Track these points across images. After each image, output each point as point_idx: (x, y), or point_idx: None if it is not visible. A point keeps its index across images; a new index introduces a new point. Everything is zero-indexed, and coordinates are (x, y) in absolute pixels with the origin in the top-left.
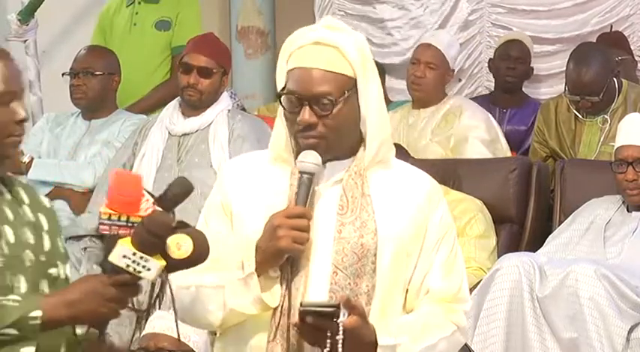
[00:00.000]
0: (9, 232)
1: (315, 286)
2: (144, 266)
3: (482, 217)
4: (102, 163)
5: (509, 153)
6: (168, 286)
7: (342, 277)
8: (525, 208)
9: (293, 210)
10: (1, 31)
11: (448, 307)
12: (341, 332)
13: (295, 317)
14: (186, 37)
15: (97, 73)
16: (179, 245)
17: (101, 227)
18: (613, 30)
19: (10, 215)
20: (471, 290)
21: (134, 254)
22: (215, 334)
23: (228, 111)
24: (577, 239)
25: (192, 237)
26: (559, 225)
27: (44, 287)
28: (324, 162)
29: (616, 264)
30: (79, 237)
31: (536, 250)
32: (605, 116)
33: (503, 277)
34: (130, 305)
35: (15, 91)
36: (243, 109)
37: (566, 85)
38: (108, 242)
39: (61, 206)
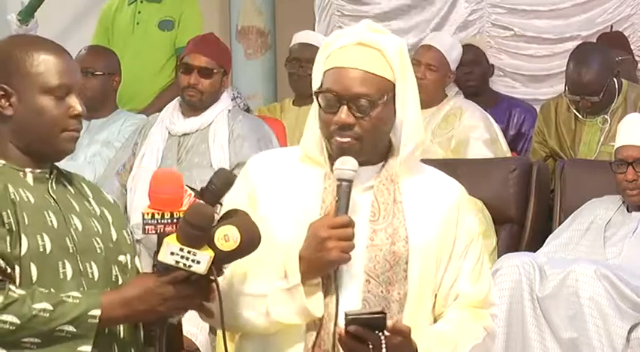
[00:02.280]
0: (77, 221)
1: (349, 294)
2: (193, 261)
3: (482, 217)
4: (102, 163)
5: (509, 153)
6: (215, 281)
7: (374, 285)
8: (525, 208)
9: (339, 220)
10: (1, 31)
11: (477, 312)
12: (384, 345)
13: (339, 327)
14: (190, 38)
15: (98, 73)
16: (227, 237)
17: (147, 227)
18: (613, 30)
19: (76, 206)
20: None
21: (181, 249)
22: (215, 333)
23: (229, 111)
24: (577, 239)
25: (238, 227)
26: (559, 225)
27: (116, 272)
28: None
29: (616, 264)
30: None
31: (536, 250)
32: (605, 116)
33: (504, 277)
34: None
35: (70, 85)
36: (248, 109)
37: (566, 84)
38: (160, 241)
39: None
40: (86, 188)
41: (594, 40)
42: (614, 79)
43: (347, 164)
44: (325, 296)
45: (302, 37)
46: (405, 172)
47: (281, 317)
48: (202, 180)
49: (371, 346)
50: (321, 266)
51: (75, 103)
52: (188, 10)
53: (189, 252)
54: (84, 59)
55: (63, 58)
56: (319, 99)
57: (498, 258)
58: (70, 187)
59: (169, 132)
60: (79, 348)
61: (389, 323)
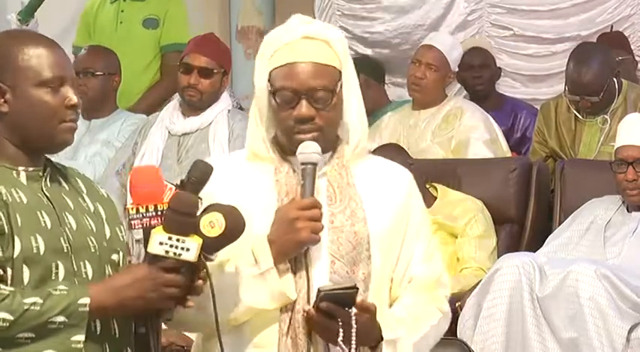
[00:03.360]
0: (71, 219)
1: (317, 276)
2: (182, 248)
3: (482, 217)
4: (102, 163)
5: (509, 153)
6: (205, 270)
7: (340, 266)
8: (525, 208)
9: (306, 201)
10: (1, 31)
11: (432, 295)
12: (354, 320)
13: (306, 305)
14: (175, 35)
15: (98, 73)
16: (212, 223)
17: (133, 222)
18: (613, 30)
19: (70, 204)
20: (471, 290)
21: (170, 238)
22: None
23: (228, 111)
24: (577, 239)
25: (223, 213)
26: (559, 225)
27: (109, 271)
28: None
29: (616, 264)
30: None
31: (536, 250)
32: (605, 116)
33: (504, 277)
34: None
35: (64, 76)
36: (241, 109)
37: (566, 84)
38: (146, 236)
39: None
40: (80, 183)
41: (594, 40)
42: (614, 79)
43: (310, 148)
44: (296, 279)
45: None
46: (355, 159)
47: (255, 303)
48: None
49: (341, 322)
50: (292, 247)
51: (70, 94)
52: (173, 8)
53: (177, 240)
54: (84, 59)
55: (54, 51)
56: (276, 97)
57: (498, 258)
58: (64, 184)
59: (169, 132)
60: (72, 338)
61: (358, 299)
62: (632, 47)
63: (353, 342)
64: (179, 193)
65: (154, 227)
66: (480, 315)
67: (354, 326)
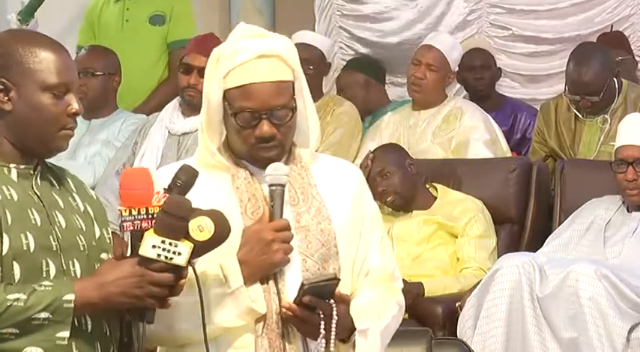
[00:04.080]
0: (61, 218)
1: (290, 276)
2: (174, 252)
3: (482, 217)
4: (102, 163)
5: (509, 154)
6: (194, 270)
7: (311, 264)
8: (525, 208)
9: (279, 223)
10: (1, 31)
11: (389, 287)
12: (335, 312)
13: (285, 302)
14: (182, 32)
15: (98, 73)
16: (201, 227)
17: (125, 225)
18: (613, 30)
19: (60, 202)
20: (471, 290)
21: (162, 242)
22: None
23: None
24: (577, 239)
25: (211, 217)
26: (559, 225)
27: None
28: None
29: (616, 264)
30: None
31: (536, 250)
32: (605, 116)
33: (503, 277)
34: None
35: (70, 83)
36: None
37: (566, 84)
38: (134, 238)
39: None
40: (70, 183)
41: (594, 40)
42: (614, 79)
43: (278, 170)
44: (265, 288)
45: (299, 37)
46: (311, 160)
47: (225, 323)
48: None
49: (322, 315)
50: (266, 268)
51: (73, 102)
52: (179, 4)
53: (170, 244)
54: (84, 59)
55: (63, 56)
56: (238, 119)
57: (498, 258)
58: (55, 182)
59: (169, 132)
60: (57, 334)
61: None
62: (632, 47)
63: (333, 333)
64: (173, 197)
65: (145, 229)
66: (480, 315)
67: (335, 317)
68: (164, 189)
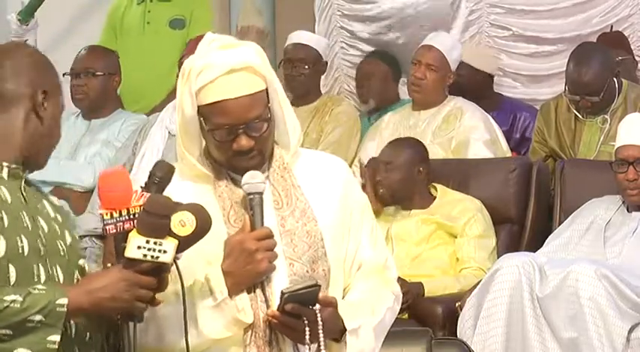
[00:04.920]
0: (42, 222)
1: (277, 282)
2: (160, 251)
3: (481, 217)
4: (102, 163)
5: (509, 154)
6: (177, 267)
7: (299, 267)
8: (525, 208)
9: (261, 232)
10: (1, 31)
11: (383, 278)
12: (319, 318)
13: (270, 310)
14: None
15: (98, 73)
16: (182, 222)
17: (107, 227)
18: (613, 30)
19: (40, 207)
20: (471, 290)
21: (147, 241)
22: None
23: None
24: (577, 239)
25: (191, 211)
26: (559, 225)
27: (77, 276)
28: None
29: (616, 264)
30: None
31: (537, 250)
32: (605, 116)
33: (504, 277)
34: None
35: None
36: None
37: (566, 84)
38: (117, 240)
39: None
40: (42, 189)
41: (594, 40)
42: (615, 79)
43: (256, 178)
44: (252, 296)
45: (295, 37)
46: (293, 158)
47: (213, 334)
48: None
49: (306, 321)
50: (251, 278)
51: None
52: (199, 8)
53: (155, 243)
54: (84, 59)
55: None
56: (215, 135)
57: (498, 258)
58: (34, 186)
59: (169, 132)
60: (48, 338)
61: (320, 296)
62: (632, 47)
63: (321, 338)
64: (153, 196)
65: (128, 231)
66: (480, 315)
67: (320, 322)
68: (141, 187)
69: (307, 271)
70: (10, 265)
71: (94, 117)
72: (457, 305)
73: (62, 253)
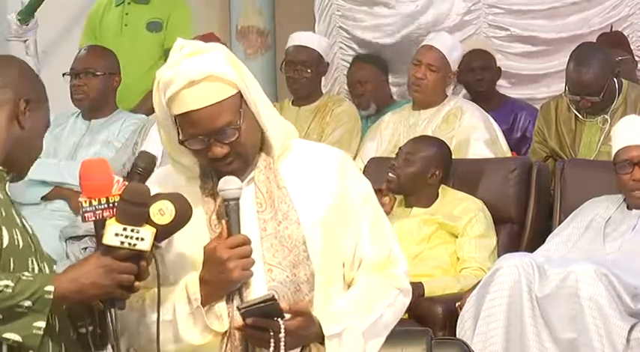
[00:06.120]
0: (23, 221)
1: (255, 288)
2: (137, 238)
3: (482, 217)
4: None
5: (509, 153)
6: (154, 256)
7: (278, 272)
8: (525, 208)
9: (235, 239)
10: (1, 31)
11: (385, 273)
12: (282, 329)
13: (237, 321)
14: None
15: (98, 73)
16: (162, 211)
17: (86, 215)
18: (613, 30)
19: (19, 210)
20: (471, 290)
21: (124, 229)
22: None
23: None
24: (577, 237)
25: (171, 200)
26: (559, 224)
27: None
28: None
29: (615, 260)
30: (79, 237)
31: (536, 250)
32: (606, 116)
33: (503, 277)
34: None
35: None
36: None
37: (566, 84)
38: (97, 228)
39: (60, 206)
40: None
41: (593, 40)
42: (615, 79)
43: (230, 184)
44: (228, 304)
45: (295, 39)
46: (282, 158)
47: (192, 341)
48: None
49: (272, 332)
50: (224, 286)
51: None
52: (176, 12)
53: (132, 231)
54: (84, 59)
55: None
56: (188, 145)
57: (498, 257)
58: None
59: None
60: (34, 324)
61: (284, 306)
62: (632, 47)
63: (281, 350)
64: (131, 184)
65: (106, 219)
66: (480, 315)
67: (282, 334)
68: (123, 177)
69: (287, 276)
70: (11, 257)
71: (94, 117)
72: (457, 305)
73: (45, 253)
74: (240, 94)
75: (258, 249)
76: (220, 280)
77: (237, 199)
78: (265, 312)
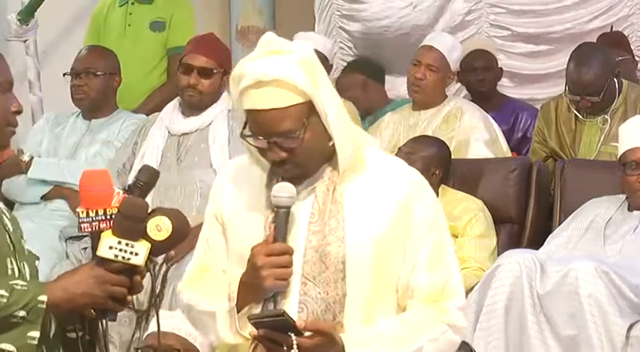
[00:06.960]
0: (7, 221)
1: (290, 299)
2: (131, 253)
3: (482, 216)
4: (102, 163)
5: (509, 154)
6: (150, 272)
7: (311, 287)
8: (525, 208)
9: (274, 248)
10: (1, 31)
11: (438, 306)
12: (295, 345)
13: (252, 329)
14: (181, 39)
15: (99, 73)
16: (158, 227)
17: (83, 226)
18: (613, 30)
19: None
20: (471, 290)
21: (119, 242)
22: None
23: (228, 111)
24: (577, 238)
25: (169, 217)
26: (559, 224)
27: (38, 277)
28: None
29: (616, 262)
30: (79, 237)
31: (536, 250)
32: (606, 116)
33: (504, 273)
34: (130, 305)
35: (11, 81)
36: None
37: (566, 84)
38: (93, 239)
39: (60, 205)
40: None
41: (593, 40)
42: (615, 79)
43: (284, 191)
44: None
45: (299, 38)
46: (349, 172)
47: (226, 338)
48: (202, 179)
49: (285, 347)
50: (257, 292)
51: (16, 100)
52: (179, 11)
53: (127, 245)
54: (85, 59)
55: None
56: (249, 141)
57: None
58: None
59: (169, 132)
60: (28, 334)
61: (301, 323)
62: (632, 47)
63: None
64: (129, 198)
65: (103, 230)
66: (482, 312)
67: (295, 350)
68: (124, 190)
69: (319, 293)
70: None
71: (95, 116)
72: None
73: (25, 252)
74: (308, 103)
75: (299, 260)
76: (253, 285)
77: (288, 208)
78: (277, 326)
